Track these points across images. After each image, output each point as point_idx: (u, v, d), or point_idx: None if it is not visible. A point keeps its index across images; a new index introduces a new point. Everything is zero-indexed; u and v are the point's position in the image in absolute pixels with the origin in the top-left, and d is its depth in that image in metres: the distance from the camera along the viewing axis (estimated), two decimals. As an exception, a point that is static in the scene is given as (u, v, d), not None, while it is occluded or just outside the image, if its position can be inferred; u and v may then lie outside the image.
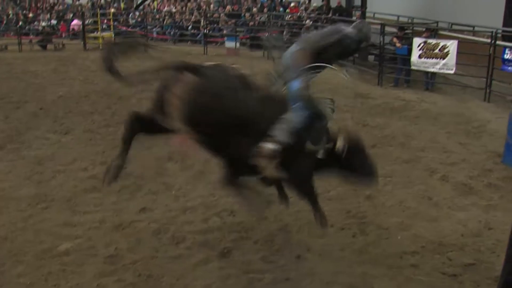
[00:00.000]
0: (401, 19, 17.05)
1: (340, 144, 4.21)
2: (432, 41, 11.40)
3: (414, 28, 14.37)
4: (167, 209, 5.49)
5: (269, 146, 4.00)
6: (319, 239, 4.83)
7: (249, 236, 4.85)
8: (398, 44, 12.15)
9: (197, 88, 4.03)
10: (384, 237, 4.99)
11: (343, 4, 17.72)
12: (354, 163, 4.31)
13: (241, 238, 4.89)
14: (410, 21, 16.54)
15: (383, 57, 12.49)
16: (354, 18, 16.52)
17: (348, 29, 4.41)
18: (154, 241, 4.89)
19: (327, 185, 5.62)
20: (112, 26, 20.22)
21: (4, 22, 24.10)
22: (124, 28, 20.65)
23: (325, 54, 4.29)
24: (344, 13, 16.50)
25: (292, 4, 19.79)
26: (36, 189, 6.10)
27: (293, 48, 4.31)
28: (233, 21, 18.27)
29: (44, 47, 18.81)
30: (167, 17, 20.39)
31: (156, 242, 4.88)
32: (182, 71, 4.14)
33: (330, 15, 15.33)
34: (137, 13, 22.06)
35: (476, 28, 13.41)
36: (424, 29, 12.61)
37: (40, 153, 7.37)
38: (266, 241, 4.74)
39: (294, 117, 4.07)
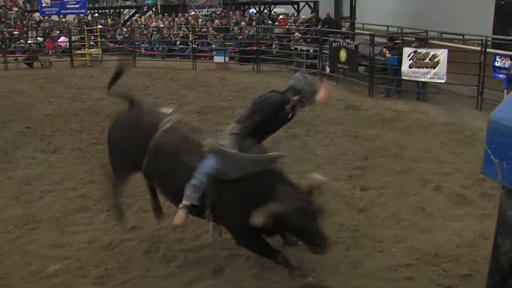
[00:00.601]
0: (390, 29, 17.28)
1: (274, 209, 3.84)
2: (422, 50, 11.51)
3: (404, 38, 14.56)
4: (158, 227, 5.47)
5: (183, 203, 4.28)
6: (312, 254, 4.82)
7: (240, 253, 4.84)
8: (388, 55, 12.26)
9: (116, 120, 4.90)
10: (379, 249, 4.99)
11: (332, 15, 17.90)
12: (299, 232, 4.09)
13: (232, 255, 4.87)
14: (399, 31, 16.77)
15: (374, 68, 12.59)
16: (343, 29, 16.71)
17: (278, 97, 4.47)
18: (145, 260, 4.86)
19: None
20: (99, 43, 20.29)
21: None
22: (111, 44, 20.71)
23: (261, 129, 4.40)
24: (334, 24, 16.66)
25: (280, 17, 19.99)
26: (24, 209, 6.07)
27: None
28: (222, 35, 18.38)
29: (30, 65, 18.81)
30: (155, 33, 20.48)
31: (147, 261, 4.85)
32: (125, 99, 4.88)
33: (319, 27, 15.46)
34: (124, 29, 22.14)
35: (466, 37, 13.59)
36: (414, 39, 12.75)
37: (28, 172, 7.35)
38: (258, 258, 4.73)
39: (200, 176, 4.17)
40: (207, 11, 21.78)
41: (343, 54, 13.05)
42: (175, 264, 4.78)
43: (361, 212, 5.76)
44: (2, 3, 30.71)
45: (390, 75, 12.36)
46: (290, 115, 4.54)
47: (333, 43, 13.53)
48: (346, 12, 18.02)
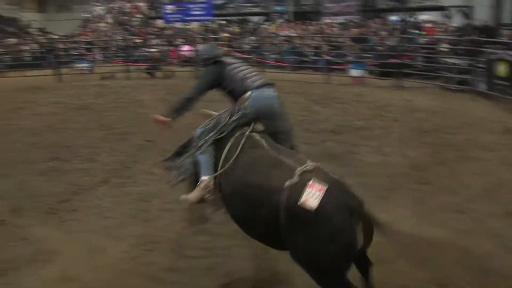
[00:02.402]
0: None
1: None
2: None
3: None
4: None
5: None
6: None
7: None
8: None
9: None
10: None
11: (490, 22, 16.98)
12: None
13: None
14: None
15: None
16: (503, 38, 15.78)
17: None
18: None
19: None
20: (225, 52, 21.11)
21: (113, 48, 26.16)
22: (238, 54, 21.46)
23: None
24: (491, 33, 15.78)
25: (427, 25, 19.39)
26: (142, 228, 6.38)
27: None
28: (359, 45, 18.26)
29: (152, 75, 20.07)
30: (285, 42, 20.89)
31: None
32: None
33: (473, 36, 14.71)
34: (253, 38, 22.84)
35: None
36: None
37: (146, 189, 7.73)
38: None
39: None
40: (343, 18, 21.83)
41: (502, 69, 12.37)
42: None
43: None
44: (126, 10, 33.36)
45: None
46: None
47: (490, 55, 12.86)
48: (506, 17, 17.01)
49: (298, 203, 3.87)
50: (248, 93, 4.77)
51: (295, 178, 4.01)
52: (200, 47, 5.54)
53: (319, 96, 14.52)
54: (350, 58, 17.99)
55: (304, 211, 3.84)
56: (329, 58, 18.06)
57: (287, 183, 4.00)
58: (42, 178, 8.27)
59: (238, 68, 5.01)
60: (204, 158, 4.78)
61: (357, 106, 13.03)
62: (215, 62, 5.03)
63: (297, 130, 10.35)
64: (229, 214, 4.57)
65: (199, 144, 4.85)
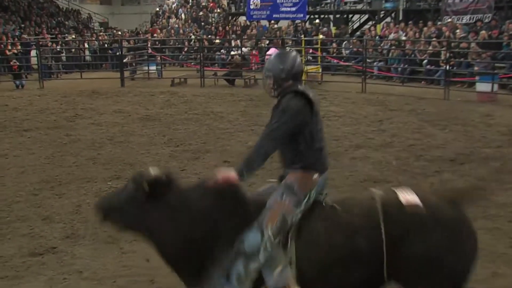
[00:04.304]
0: None
1: None
2: None
3: None
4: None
5: None
6: None
7: None
8: None
9: None
10: None
11: None
12: None
13: None
14: None
15: None
16: None
17: None
18: None
19: None
20: (319, 58, 21.17)
21: (185, 48, 26.76)
22: (335, 61, 21.47)
23: None
24: None
25: None
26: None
27: None
28: (490, 53, 17.81)
29: (231, 82, 20.45)
30: (393, 47, 20.70)
31: None
32: None
33: None
34: (352, 41, 22.78)
35: None
36: None
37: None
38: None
39: None
40: (470, 18, 21.38)
41: None
42: None
43: None
44: (203, 4, 34.08)
45: None
46: None
47: None
48: None
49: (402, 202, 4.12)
50: (316, 176, 4.36)
51: (377, 193, 4.28)
52: (275, 52, 4.74)
53: (435, 115, 14.26)
54: (476, 69, 17.57)
55: (413, 212, 4.09)
56: (449, 68, 17.71)
57: (373, 196, 4.25)
58: (101, 200, 8.53)
59: (319, 118, 4.42)
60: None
61: (484, 130, 12.69)
62: (296, 93, 4.31)
63: (405, 157, 10.32)
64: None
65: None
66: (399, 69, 19.99)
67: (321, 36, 22.98)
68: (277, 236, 4.19)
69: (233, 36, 27.61)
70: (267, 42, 24.75)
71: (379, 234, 4.08)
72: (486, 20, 20.85)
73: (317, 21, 27.76)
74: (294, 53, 4.52)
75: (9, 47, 22.81)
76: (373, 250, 4.11)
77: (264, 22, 28.32)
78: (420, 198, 4.11)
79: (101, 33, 31.54)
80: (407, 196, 4.11)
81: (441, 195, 4.27)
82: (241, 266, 4.19)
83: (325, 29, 25.49)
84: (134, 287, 5.89)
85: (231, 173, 4.17)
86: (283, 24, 28.10)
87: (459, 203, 4.18)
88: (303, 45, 21.24)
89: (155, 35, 30.06)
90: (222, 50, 24.83)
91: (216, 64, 23.46)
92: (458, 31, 20.34)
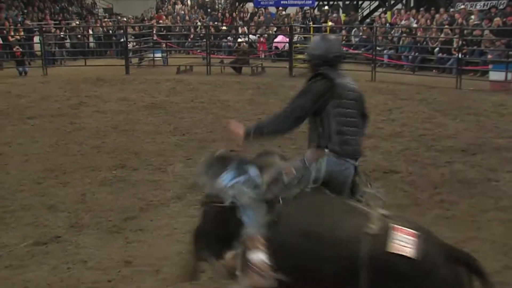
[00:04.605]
0: None
1: None
2: None
3: None
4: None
5: None
6: None
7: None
8: None
9: None
10: None
11: None
12: None
13: None
14: None
15: None
16: None
17: None
18: None
19: None
20: (328, 45, 21.13)
21: (191, 35, 26.73)
22: (344, 49, 21.42)
23: None
24: None
25: None
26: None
27: None
28: (504, 40, 17.72)
29: (238, 70, 20.46)
30: (404, 35, 20.63)
31: None
32: None
33: None
34: (362, 28, 22.72)
35: None
36: None
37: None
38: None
39: None
40: (484, 4, 21.26)
41: None
42: None
43: None
44: (211, -10, 34.02)
45: None
46: None
47: None
48: None
49: (387, 250, 3.73)
50: (327, 151, 4.43)
51: (375, 222, 3.91)
52: (316, 38, 4.95)
53: (447, 104, 14.25)
54: (490, 57, 17.51)
55: (397, 261, 3.71)
56: (461, 56, 17.65)
57: (366, 229, 3.87)
58: (106, 189, 8.54)
59: (345, 103, 4.51)
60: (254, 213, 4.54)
61: (497, 120, 12.68)
62: (322, 76, 4.49)
63: (416, 147, 10.32)
64: (278, 273, 4.38)
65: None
66: (410, 57, 19.92)
67: (330, 23, 22.95)
68: (269, 186, 4.34)
69: (240, 23, 27.60)
70: (275, 29, 24.71)
71: (354, 264, 3.80)
72: (501, 7, 20.72)
73: (326, 7, 27.69)
74: (333, 37, 4.78)
75: (12, 33, 22.85)
76: (343, 276, 3.90)
77: (272, 9, 28.31)
78: (417, 246, 3.70)
79: (106, 19, 31.49)
80: (401, 240, 3.74)
81: (446, 247, 3.88)
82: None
83: (334, 15, 25.48)
84: (139, 277, 5.88)
85: (240, 129, 4.37)
86: (291, 10, 28.05)
87: (460, 263, 3.79)
88: (311, 33, 21.19)
89: (160, 21, 30.00)
90: (228, 37, 24.80)
91: (223, 52, 23.41)
92: (473, 17, 20.22)
